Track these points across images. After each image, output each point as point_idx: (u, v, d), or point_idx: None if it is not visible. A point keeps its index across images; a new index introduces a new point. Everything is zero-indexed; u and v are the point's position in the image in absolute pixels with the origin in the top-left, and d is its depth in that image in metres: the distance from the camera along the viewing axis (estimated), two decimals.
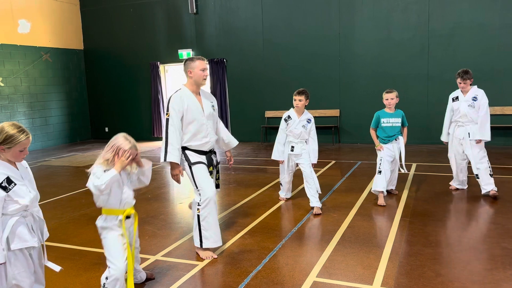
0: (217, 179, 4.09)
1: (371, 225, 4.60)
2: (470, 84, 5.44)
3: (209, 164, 3.94)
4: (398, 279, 3.29)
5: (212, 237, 3.85)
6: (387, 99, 5.32)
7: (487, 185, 5.40)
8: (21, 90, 11.40)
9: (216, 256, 3.89)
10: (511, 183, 6.11)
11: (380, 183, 5.26)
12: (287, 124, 5.12)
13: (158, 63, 12.25)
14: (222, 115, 11.51)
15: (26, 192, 2.56)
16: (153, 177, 7.28)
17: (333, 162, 8.15)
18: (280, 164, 5.35)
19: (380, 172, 5.29)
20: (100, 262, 3.85)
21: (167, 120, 3.79)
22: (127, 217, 3.01)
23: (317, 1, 10.42)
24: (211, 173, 3.95)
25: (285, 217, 5.01)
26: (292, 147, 5.14)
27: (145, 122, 12.40)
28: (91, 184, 2.84)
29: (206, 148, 3.94)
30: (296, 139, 5.11)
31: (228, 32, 11.44)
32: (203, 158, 3.92)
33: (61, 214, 5.44)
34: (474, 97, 5.39)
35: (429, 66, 9.65)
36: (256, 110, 11.34)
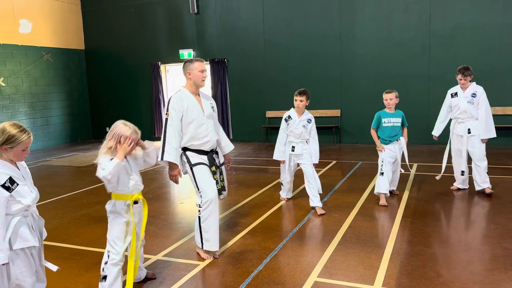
0: (221, 180, 4.03)
1: (372, 225, 4.60)
2: (470, 81, 5.47)
3: (211, 164, 3.92)
4: (399, 279, 3.29)
5: (212, 240, 3.82)
6: (386, 100, 5.32)
7: (484, 183, 5.48)
8: (22, 90, 11.41)
9: (217, 256, 3.90)
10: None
11: (383, 185, 5.25)
12: (288, 124, 5.12)
13: (159, 63, 12.26)
14: (223, 115, 11.51)
15: (28, 192, 2.57)
16: (154, 177, 7.30)
17: (334, 162, 8.15)
18: (281, 164, 5.36)
19: (382, 173, 5.28)
20: (101, 262, 3.85)
21: (166, 120, 3.79)
22: (135, 202, 3.08)
23: (318, 1, 10.42)
24: (214, 173, 3.92)
25: (286, 217, 5.01)
26: (293, 147, 5.14)
27: (146, 122, 12.40)
28: (100, 174, 2.92)
29: (207, 148, 3.93)
30: (297, 139, 5.12)
31: (229, 32, 11.44)
32: (204, 159, 3.90)
33: (62, 214, 5.44)
34: (473, 94, 5.43)
35: (430, 66, 9.64)
36: (256, 110, 11.34)
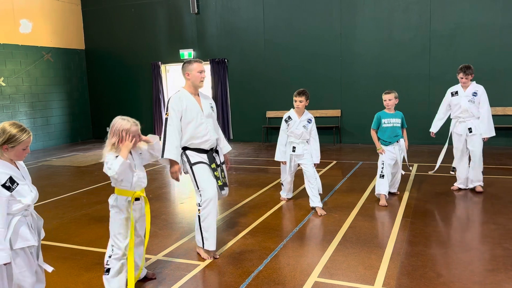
0: (223, 177, 4.06)
1: (373, 225, 4.59)
2: (471, 80, 5.48)
3: (211, 162, 3.93)
4: (400, 280, 3.29)
5: (210, 239, 3.84)
6: (385, 100, 5.31)
7: (478, 181, 5.62)
8: (22, 90, 11.41)
9: (217, 256, 3.90)
10: None
11: (383, 187, 5.25)
12: (288, 125, 5.12)
13: (159, 63, 12.26)
14: (223, 115, 11.51)
15: (28, 191, 2.57)
16: (154, 177, 7.30)
17: (334, 162, 8.14)
18: (281, 165, 5.35)
19: (382, 176, 5.27)
20: (101, 262, 3.85)
21: (166, 119, 3.84)
22: (137, 199, 3.12)
23: (318, 2, 10.42)
24: (214, 170, 3.93)
25: (286, 217, 5.01)
26: (294, 147, 5.14)
27: (146, 122, 12.40)
28: (107, 173, 2.99)
29: (206, 147, 3.94)
30: (298, 140, 5.12)
31: (229, 32, 11.44)
32: (204, 157, 3.92)
33: (62, 214, 5.44)
34: (474, 93, 5.46)
35: (430, 67, 9.64)
36: (257, 110, 11.34)
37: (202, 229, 3.84)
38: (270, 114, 11.20)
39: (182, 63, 4.08)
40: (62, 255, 4.07)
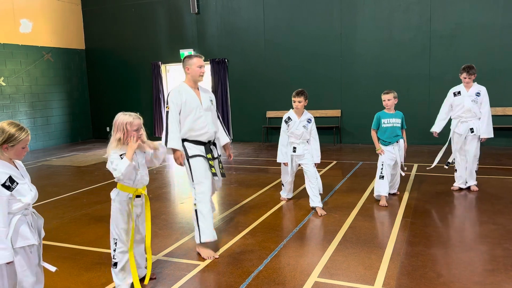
0: (221, 168, 4.19)
1: (373, 225, 4.59)
2: (473, 80, 5.51)
3: (208, 152, 4.05)
4: (400, 280, 3.29)
5: (207, 230, 3.92)
6: (384, 100, 5.31)
7: (473, 180, 5.72)
8: (22, 89, 11.41)
9: (217, 256, 3.91)
10: None
11: (383, 189, 5.25)
12: (288, 126, 5.12)
13: (160, 63, 12.26)
14: (224, 115, 11.51)
15: (27, 190, 2.57)
16: (154, 177, 7.30)
17: (334, 162, 8.14)
18: (282, 165, 5.34)
19: (382, 177, 5.27)
20: (101, 262, 3.86)
21: (167, 112, 4.01)
22: (138, 196, 3.18)
23: (319, 2, 10.42)
24: (210, 159, 4.02)
25: (286, 217, 5.01)
26: (294, 148, 5.14)
27: (147, 122, 12.21)
28: (113, 174, 3.05)
29: (204, 139, 4.06)
30: (298, 140, 5.11)
31: (229, 32, 11.44)
32: (201, 149, 4.03)
33: (62, 214, 5.44)
34: (477, 93, 5.49)
35: (431, 67, 9.64)
36: (257, 110, 11.34)
37: (198, 221, 3.94)
38: (270, 114, 11.20)
39: (182, 61, 4.20)
40: (62, 255, 4.07)
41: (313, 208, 5.09)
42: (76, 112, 13.06)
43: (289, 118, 5.13)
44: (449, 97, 5.69)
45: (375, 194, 5.40)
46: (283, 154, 5.20)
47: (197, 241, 3.94)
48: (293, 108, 5.13)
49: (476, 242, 4.05)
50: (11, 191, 2.47)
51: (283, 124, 5.18)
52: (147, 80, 12.55)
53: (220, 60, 11.50)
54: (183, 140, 4.02)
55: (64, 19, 12.63)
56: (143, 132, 3.18)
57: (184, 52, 11.75)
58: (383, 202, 5.21)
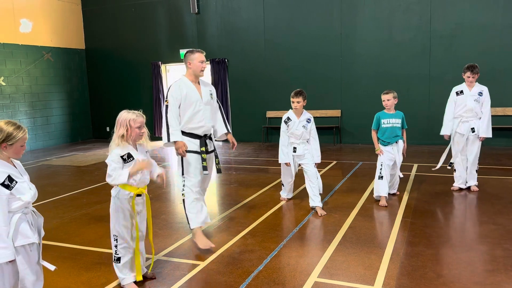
0: (217, 163, 4.40)
1: (373, 225, 4.59)
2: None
3: (202, 145, 4.20)
4: (400, 280, 3.29)
5: (195, 217, 4.17)
6: (384, 100, 5.30)
7: (473, 180, 5.73)
8: (22, 89, 11.41)
9: (213, 245, 4.04)
10: None
11: (382, 189, 5.24)
12: (288, 126, 5.12)
13: (160, 63, 12.26)
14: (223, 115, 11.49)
15: (27, 189, 2.58)
16: None
17: (334, 162, 8.14)
18: (282, 166, 5.33)
19: (381, 177, 5.27)
20: (101, 262, 3.85)
21: (167, 106, 4.12)
22: (138, 195, 3.21)
23: (319, 1, 10.42)
24: (202, 153, 4.17)
25: (286, 217, 5.01)
26: (295, 148, 5.14)
27: (146, 122, 12.22)
28: (108, 179, 3.09)
29: (200, 132, 4.21)
30: (298, 140, 5.11)
31: (229, 32, 11.44)
32: (196, 142, 4.18)
33: (62, 214, 5.44)
34: (480, 92, 5.51)
35: (431, 67, 9.64)
36: (257, 110, 11.33)
37: (186, 211, 4.20)
38: (270, 114, 11.20)
39: (182, 63, 4.31)
40: (62, 255, 4.06)
41: (313, 208, 5.09)
42: (76, 112, 13.06)
43: (288, 118, 5.12)
44: (453, 96, 5.67)
45: (374, 194, 5.40)
46: (284, 155, 5.19)
47: (190, 227, 4.22)
48: (292, 109, 5.13)
49: (476, 242, 4.05)
50: (10, 190, 2.48)
51: (283, 125, 5.17)
52: (147, 80, 12.55)
53: (220, 60, 11.50)
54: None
55: (64, 19, 12.63)
56: (145, 130, 3.23)
57: (184, 52, 11.71)
58: (383, 202, 5.21)
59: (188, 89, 4.17)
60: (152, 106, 12.41)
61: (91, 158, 9.72)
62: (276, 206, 5.38)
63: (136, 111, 3.21)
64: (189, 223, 4.22)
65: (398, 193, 5.69)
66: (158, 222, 4.94)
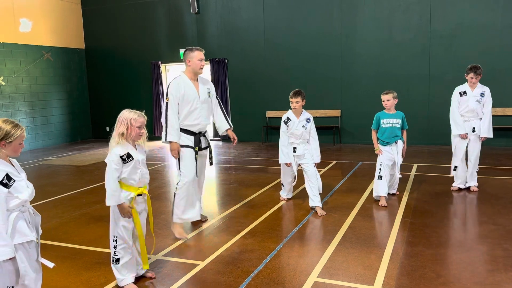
0: (210, 158, 4.64)
1: (372, 225, 4.59)
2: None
3: (196, 144, 4.37)
4: (399, 280, 3.29)
5: (182, 213, 4.36)
6: (384, 101, 5.30)
7: (473, 180, 5.74)
8: (22, 89, 11.40)
9: (188, 237, 4.32)
10: None
11: (381, 189, 5.24)
12: (288, 126, 5.11)
13: (159, 62, 12.26)
14: None
15: (24, 187, 2.59)
16: (155, 177, 7.29)
17: (334, 162, 8.14)
18: (282, 166, 5.33)
19: (380, 177, 5.27)
20: (101, 262, 3.85)
21: (167, 104, 4.24)
22: (139, 194, 3.24)
23: (319, 1, 10.41)
24: (196, 152, 4.36)
25: (286, 217, 5.01)
26: (295, 148, 5.13)
27: (146, 122, 12.35)
28: (106, 172, 3.13)
29: (195, 130, 4.36)
30: (298, 140, 5.11)
31: (229, 32, 11.44)
32: (191, 139, 4.34)
33: (62, 213, 5.44)
34: (482, 93, 5.53)
35: (431, 67, 9.64)
36: (257, 110, 11.33)
37: (174, 206, 4.35)
38: (270, 114, 11.20)
39: (182, 63, 4.37)
40: (62, 255, 4.06)
41: (313, 208, 5.09)
42: (75, 112, 13.05)
43: (288, 118, 5.12)
44: (457, 96, 5.66)
45: (374, 194, 5.40)
46: (284, 155, 5.18)
47: (172, 220, 4.42)
48: (291, 109, 5.13)
49: (476, 242, 4.05)
50: (8, 188, 2.49)
51: (283, 125, 5.17)
52: (147, 79, 12.54)
53: (220, 60, 11.50)
54: None
55: (64, 18, 12.62)
56: (144, 131, 3.24)
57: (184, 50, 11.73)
58: (382, 202, 5.21)
59: (186, 87, 4.26)
60: (152, 106, 12.40)
61: (90, 158, 9.72)
62: (276, 206, 5.37)
63: (138, 111, 3.23)
64: (172, 216, 4.41)
65: (397, 193, 5.68)
66: (158, 222, 4.94)
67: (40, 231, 2.78)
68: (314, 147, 5.17)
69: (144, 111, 3.32)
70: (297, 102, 5.02)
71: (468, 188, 5.78)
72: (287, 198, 5.63)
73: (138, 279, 3.43)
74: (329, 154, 9.06)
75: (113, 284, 3.39)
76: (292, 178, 5.45)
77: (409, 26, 9.71)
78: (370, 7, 9.98)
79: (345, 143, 10.55)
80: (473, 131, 5.56)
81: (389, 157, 5.31)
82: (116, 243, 3.21)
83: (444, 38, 9.46)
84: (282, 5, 10.76)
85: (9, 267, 2.53)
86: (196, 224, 4.78)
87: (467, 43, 9.28)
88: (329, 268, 3.55)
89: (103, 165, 3.18)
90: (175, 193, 4.38)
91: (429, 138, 9.67)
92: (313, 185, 5.04)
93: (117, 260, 3.24)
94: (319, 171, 5.24)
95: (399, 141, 5.32)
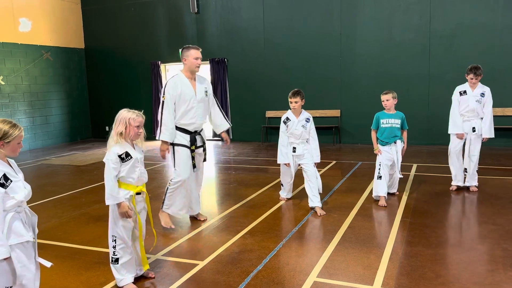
0: (204, 155, 4.68)
1: (372, 225, 4.59)
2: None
3: (192, 143, 4.44)
4: (399, 280, 3.29)
5: (172, 207, 4.56)
6: (383, 101, 5.30)
7: (474, 180, 5.74)
8: (21, 88, 11.40)
9: (173, 226, 4.54)
10: (511, 184, 6.10)
11: (381, 189, 5.24)
12: (287, 126, 5.11)
13: (159, 62, 12.25)
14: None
15: (21, 188, 2.58)
16: (154, 177, 7.29)
17: (334, 162, 8.14)
18: (282, 166, 5.33)
19: (380, 177, 5.26)
20: (100, 261, 3.85)
21: (163, 102, 4.28)
22: (138, 193, 3.25)
23: (319, 2, 10.41)
24: (192, 151, 4.44)
25: (285, 217, 5.01)
26: (294, 148, 5.13)
27: (146, 121, 12.25)
28: (105, 172, 3.15)
29: (191, 128, 4.42)
30: (298, 140, 5.11)
31: (229, 32, 11.43)
32: (187, 138, 4.40)
33: (61, 213, 5.43)
34: (482, 93, 5.54)
35: (430, 67, 9.64)
36: (257, 110, 11.33)
37: (166, 198, 4.53)
38: (269, 114, 11.20)
39: (182, 63, 4.41)
40: (61, 254, 4.06)
41: (312, 208, 5.09)
42: (75, 111, 13.05)
43: (287, 118, 5.12)
44: (456, 95, 5.67)
45: (373, 194, 5.40)
46: (283, 155, 5.18)
47: (161, 208, 4.61)
48: (290, 109, 5.13)
49: (476, 242, 4.05)
50: (5, 189, 2.49)
51: (282, 125, 5.16)
52: (147, 79, 12.54)
53: (220, 60, 11.50)
54: None
55: (64, 18, 12.62)
56: (142, 131, 3.24)
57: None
58: (382, 202, 5.21)
59: (183, 86, 4.29)
60: (151, 105, 12.40)
61: (90, 158, 9.71)
62: (276, 206, 5.37)
63: (136, 111, 3.24)
64: (162, 206, 4.59)
65: (397, 193, 5.68)
66: (158, 221, 4.93)
67: (37, 231, 2.78)
68: (314, 147, 5.16)
69: (142, 111, 3.31)
70: (296, 102, 5.02)
71: (467, 188, 5.78)
72: (287, 198, 5.63)
73: (138, 279, 3.43)
74: (328, 154, 9.06)
75: (112, 284, 3.39)
76: (291, 178, 5.44)
77: (409, 26, 9.71)
78: (370, 7, 9.98)
79: (344, 143, 10.55)
80: (473, 130, 5.57)
81: (388, 157, 5.31)
82: (115, 243, 3.21)
83: (444, 38, 9.47)
84: (282, 5, 10.76)
85: (5, 267, 2.52)
86: (195, 224, 4.78)
87: (467, 43, 9.28)
88: (329, 268, 3.55)
89: (103, 164, 3.18)
90: (167, 188, 4.54)
91: (428, 138, 9.67)
92: (313, 185, 5.04)
93: (116, 260, 3.23)
94: (318, 171, 5.24)
95: (398, 141, 5.32)
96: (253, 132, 11.42)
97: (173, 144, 4.42)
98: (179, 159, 4.42)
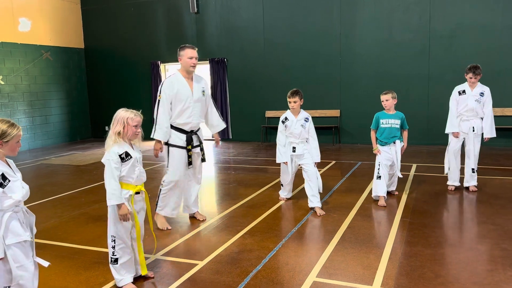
0: (202, 155, 4.65)
1: (371, 225, 4.59)
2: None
3: (188, 143, 4.42)
4: (398, 280, 3.29)
5: (166, 209, 4.56)
6: (383, 101, 5.30)
7: (473, 180, 5.73)
8: (21, 88, 11.40)
9: (170, 228, 4.53)
10: (511, 184, 6.10)
11: (380, 189, 5.24)
12: (286, 126, 5.11)
13: (159, 62, 12.25)
14: (223, 115, 11.48)
15: (19, 187, 2.58)
16: (153, 177, 7.29)
17: (333, 162, 8.14)
18: (281, 166, 5.33)
19: (379, 177, 5.27)
20: (100, 261, 3.85)
21: (159, 101, 4.27)
22: (137, 192, 3.25)
23: (318, 1, 10.41)
24: (189, 150, 4.43)
25: (285, 217, 5.01)
26: (294, 148, 5.13)
27: (146, 121, 12.25)
28: (105, 173, 3.15)
29: (187, 128, 4.41)
30: (297, 139, 5.11)
31: (229, 32, 11.43)
32: (182, 138, 4.39)
33: (61, 213, 5.43)
34: (481, 93, 5.53)
35: (430, 67, 9.65)
36: (256, 110, 11.33)
37: (159, 200, 4.53)
38: (269, 113, 11.20)
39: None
40: (61, 254, 4.06)
41: (312, 208, 5.09)
42: (75, 111, 13.04)
43: (286, 118, 5.12)
44: (455, 95, 5.67)
45: (373, 194, 5.40)
46: (281, 154, 5.18)
47: (156, 210, 4.60)
48: (289, 109, 5.13)
49: (475, 242, 4.05)
50: (3, 188, 2.49)
51: (281, 124, 5.17)
52: (147, 79, 12.54)
53: (220, 60, 11.49)
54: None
55: (63, 18, 12.61)
56: (140, 130, 3.24)
57: None
58: (381, 202, 5.21)
59: (180, 85, 4.29)
60: (151, 105, 12.38)
61: (90, 157, 9.71)
62: (275, 206, 5.37)
63: (134, 110, 3.23)
64: (155, 208, 4.59)
65: (397, 193, 5.68)
66: (155, 223, 4.93)
67: (35, 230, 2.78)
68: (314, 146, 5.16)
69: (141, 111, 3.31)
70: (294, 102, 5.02)
71: (467, 188, 5.78)
72: (286, 198, 5.63)
73: (137, 279, 3.42)
74: (328, 154, 9.06)
75: (112, 283, 3.38)
76: (291, 178, 5.44)
77: (409, 26, 9.71)
78: (369, 7, 9.98)
79: (344, 143, 10.55)
80: (473, 130, 5.56)
81: (388, 157, 5.31)
82: (115, 243, 3.20)
83: (443, 38, 9.47)
84: (282, 5, 10.76)
85: (1, 267, 2.52)
86: (195, 224, 4.78)
87: (467, 43, 9.28)
88: (328, 268, 3.55)
89: (103, 164, 3.17)
90: (160, 189, 4.55)
91: (428, 138, 9.67)
92: (313, 185, 5.03)
93: (116, 260, 3.23)
94: (318, 170, 5.24)
95: (398, 141, 5.32)
96: (252, 132, 11.42)
97: (168, 144, 4.41)
98: (172, 161, 4.42)
